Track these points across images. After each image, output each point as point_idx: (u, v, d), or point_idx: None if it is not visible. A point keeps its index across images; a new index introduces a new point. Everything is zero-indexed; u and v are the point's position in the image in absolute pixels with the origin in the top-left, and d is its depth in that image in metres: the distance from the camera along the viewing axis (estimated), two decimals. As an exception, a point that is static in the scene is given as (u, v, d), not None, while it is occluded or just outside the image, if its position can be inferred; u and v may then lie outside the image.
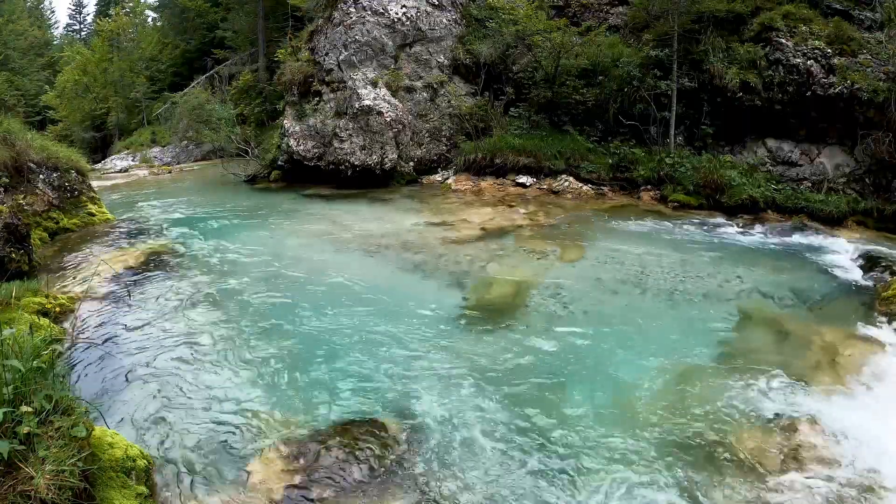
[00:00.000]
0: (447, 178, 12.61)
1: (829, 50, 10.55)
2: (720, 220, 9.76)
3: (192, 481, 3.37)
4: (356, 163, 12.59)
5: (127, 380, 4.32)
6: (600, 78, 12.50)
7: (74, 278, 6.20)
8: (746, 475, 3.59)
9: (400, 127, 12.88)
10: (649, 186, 11.30)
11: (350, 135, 12.67)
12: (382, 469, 3.54)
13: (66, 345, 4.54)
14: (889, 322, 5.61)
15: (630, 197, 11.27)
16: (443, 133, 13.73)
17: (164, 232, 8.53)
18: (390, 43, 13.40)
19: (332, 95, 13.16)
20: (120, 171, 20.13)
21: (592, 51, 12.62)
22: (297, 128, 13.34)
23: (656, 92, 11.98)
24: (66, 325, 4.98)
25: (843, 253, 7.97)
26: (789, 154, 11.15)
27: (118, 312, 5.41)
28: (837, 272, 7.22)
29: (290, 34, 17.11)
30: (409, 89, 13.50)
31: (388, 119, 12.68)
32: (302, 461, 3.55)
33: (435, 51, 13.83)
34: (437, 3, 13.94)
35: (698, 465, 3.66)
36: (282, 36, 19.24)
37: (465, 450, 3.73)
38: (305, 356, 4.78)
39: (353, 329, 5.29)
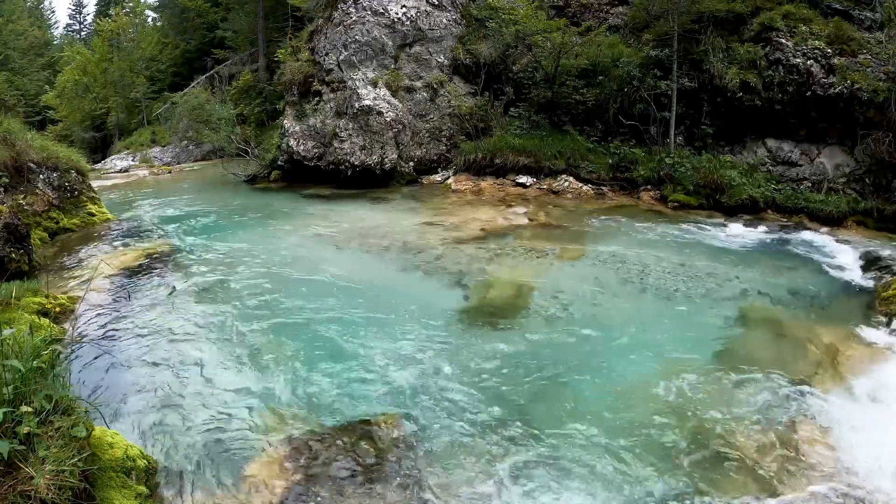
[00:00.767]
0: (447, 178, 12.60)
1: (829, 50, 10.56)
2: (720, 220, 9.76)
3: (191, 481, 3.37)
4: (356, 163, 12.58)
5: (127, 379, 4.33)
6: (600, 78, 12.51)
7: (74, 278, 6.20)
8: (746, 475, 3.59)
9: (400, 127, 12.88)
10: (649, 186, 11.30)
11: (350, 135, 12.67)
12: (382, 469, 3.54)
13: (66, 345, 4.54)
14: (889, 322, 5.61)
15: (630, 197, 11.27)
16: (443, 133, 13.73)
17: (164, 232, 8.53)
18: (390, 43, 13.40)
19: (332, 95, 13.16)
20: (120, 171, 20.11)
21: (592, 51, 12.63)
22: (297, 128, 13.34)
23: (656, 92, 11.99)
24: (66, 325, 4.98)
25: (842, 253, 7.96)
26: (789, 154, 11.15)
27: (118, 312, 5.41)
28: (837, 272, 7.22)
29: (290, 34, 17.10)
30: (409, 89, 13.50)
31: (388, 119, 12.67)
32: (302, 461, 3.55)
33: (435, 51, 13.84)
34: (437, 3, 13.95)
35: (698, 466, 3.66)
36: (282, 36, 19.23)
37: (465, 450, 3.73)
38: (305, 356, 4.78)
39: (353, 329, 5.30)
